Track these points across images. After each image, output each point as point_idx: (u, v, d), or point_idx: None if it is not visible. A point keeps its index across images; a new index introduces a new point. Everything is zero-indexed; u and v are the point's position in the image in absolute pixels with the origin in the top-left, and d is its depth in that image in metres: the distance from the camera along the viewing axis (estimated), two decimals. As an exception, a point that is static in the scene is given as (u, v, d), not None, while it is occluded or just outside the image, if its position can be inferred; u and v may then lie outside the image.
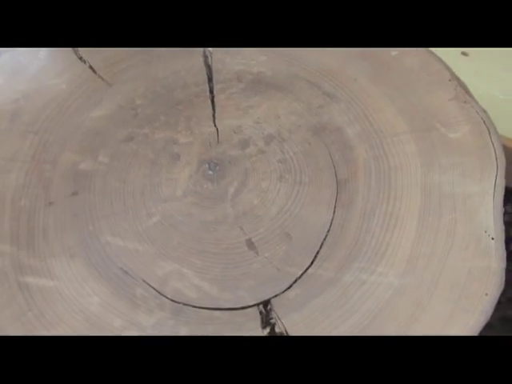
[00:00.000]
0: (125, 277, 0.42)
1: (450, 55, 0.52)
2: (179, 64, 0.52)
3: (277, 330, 0.40)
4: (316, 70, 0.51)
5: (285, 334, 0.39)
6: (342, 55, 0.52)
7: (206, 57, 0.53)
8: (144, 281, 0.42)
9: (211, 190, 0.45)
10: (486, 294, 0.40)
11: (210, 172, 0.46)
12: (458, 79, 0.50)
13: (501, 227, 0.42)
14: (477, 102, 0.48)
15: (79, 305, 0.40)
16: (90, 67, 0.52)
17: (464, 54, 0.71)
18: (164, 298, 0.41)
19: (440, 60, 0.51)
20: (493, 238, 0.42)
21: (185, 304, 0.41)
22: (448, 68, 0.50)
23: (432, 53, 0.51)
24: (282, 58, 0.52)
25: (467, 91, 0.49)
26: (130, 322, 0.40)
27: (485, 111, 0.47)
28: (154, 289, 0.41)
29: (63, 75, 0.52)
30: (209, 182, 0.45)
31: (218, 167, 0.46)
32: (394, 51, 0.51)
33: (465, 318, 0.39)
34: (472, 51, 0.72)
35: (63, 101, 0.51)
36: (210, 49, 0.52)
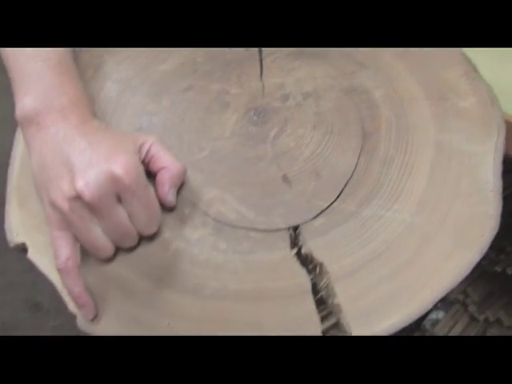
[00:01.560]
0: (177, 197, 0.38)
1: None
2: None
3: (303, 251, 0.36)
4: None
5: (310, 255, 0.36)
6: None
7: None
8: (193, 202, 0.38)
9: (254, 133, 0.41)
10: (482, 235, 0.36)
11: (255, 118, 0.42)
12: (468, 60, 0.45)
13: (499, 182, 0.38)
14: (483, 79, 0.43)
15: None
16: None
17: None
18: (208, 218, 0.37)
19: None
20: (491, 190, 0.38)
21: (225, 224, 0.37)
22: (461, 51, 0.46)
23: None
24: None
25: (475, 70, 0.44)
26: (177, 234, 0.37)
27: (489, 86, 0.43)
28: (200, 209, 0.38)
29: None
30: (253, 127, 0.41)
31: (261, 114, 0.42)
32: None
33: (463, 254, 0.35)
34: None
35: (136, 57, 0.47)
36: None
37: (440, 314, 1.12)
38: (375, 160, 0.39)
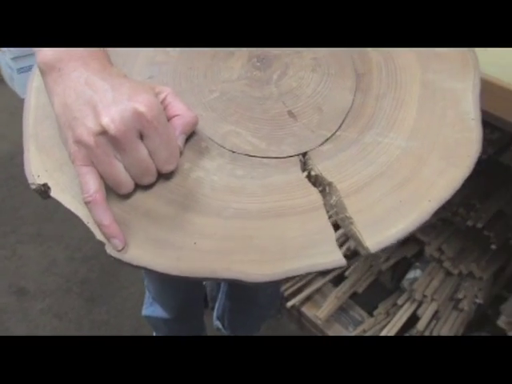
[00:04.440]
0: (193, 134, 0.40)
1: None
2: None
3: (312, 173, 0.39)
4: None
5: (320, 176, 0.38)
6: None
7: None
8: (208, 137, 0.40)
9: (259, 76, 0.44)
10: (469, 156, 0.39)
11: (258, 64, 0.44)
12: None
13: (478, 112, 0.42)
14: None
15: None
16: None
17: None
18: (224, 149, 0.40)
19: None
20: (473, 119, 0.41)
21: (240, 153, 0.39)
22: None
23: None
24: None
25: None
26: (196, 165, 0.39)
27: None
28: (215, 142, 0.40)
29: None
30: (257, 71, 0.44)
31: (264, 60, 0.44)
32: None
33: (454, 172, 0.39)
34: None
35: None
36: None
37: (417, 273, 1.17)
38: (369, 96, 0.42)
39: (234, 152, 0.39)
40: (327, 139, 0.40)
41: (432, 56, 0.45)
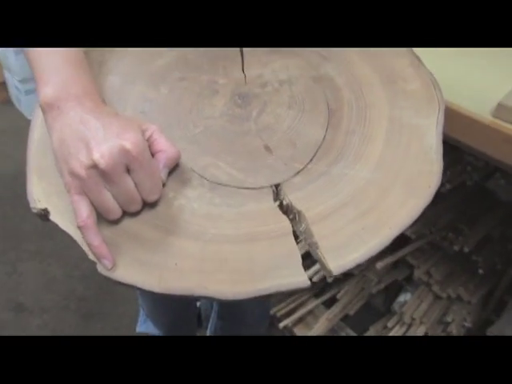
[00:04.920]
0: (176, 166, 0.44)
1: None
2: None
3: (284, 202, 0.43)
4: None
5: (290, 205, 0.42)
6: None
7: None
8: (191, 168, 0.44)
9: (240, 113, 0.48)
10: (429, 187, 0.43)
11: (239, 101, 0.49)
12: (413, 52, 0.53)
13: (440, 146, 0.46)
14: (426, 67, 0.52)
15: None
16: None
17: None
18: (204, 180, 0.44)
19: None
20: (435, 153, 0.45)
21: (219, 184, 0.43)
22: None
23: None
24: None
25: (419, 60, 0.52)
26: (179, 194, 0.43)
27: (431, 73, 0.51)
28: (197, 173, 0.44)
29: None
30: (238, 108, 0.48)
31: (244, 98, 0.49)
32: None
33: (414, 202, 0.43)
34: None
35: (134, 55, 0.53)
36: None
37: (408, 296, 1.19)
38: (340, 132, 0.46)
39: (213, 182, 0.44)
40: (298, 172, 0.44)
41: (400, 93, 0.50)
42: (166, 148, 0.42)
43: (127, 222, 0.41)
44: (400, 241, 1.19)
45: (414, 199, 0.43)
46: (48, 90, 0.41)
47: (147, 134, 0.41)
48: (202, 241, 0.40)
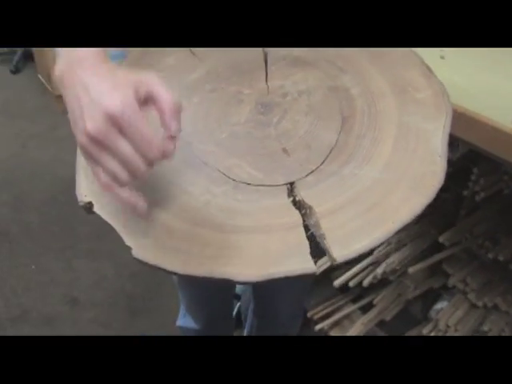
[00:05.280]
0: (205, 165, 0.51)
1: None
2: (245, 51, 0.62)
3: (297, 198, 0.48)
4: (334, 55, 0.59)
5: (302, 201, 0.47)
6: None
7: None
8: (217, 168, 0.51)
9: (262, 120, 0.54)
10: (433, 186, 0.47)
11: (262, 110, 0.55)
12: (425, 64, 0.57)
13: (445, 150, 0.50)
14: (436, 77, 0.55)
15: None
16: (190, 50, 0.62)
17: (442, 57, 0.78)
18: (228, 178, 0.50)
19: (415, 53, 0.59)
20: (440, 156, 0.49)
21: (241, 182, 0.49)
22: (419, 57, 0.58)
23: (411, 50, 0.59)
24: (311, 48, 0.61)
25: (430, 70, 0.56)
26: (206, 190, 0.49)
27: (441, 83, 0.55)
28: (222, 173, 0.50)
29: (172, 54, 0.62)
30: (261, 115, 0.55)
31: (267, 107, 0.55)
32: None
33: (418, 199, 0.46)
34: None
35: (173, 70, 0.60)
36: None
37: (445, 304, 1.20)
38: (351, 136, 0.51)
39: (236, 181, 0.50)
40: (312, 171, 0.49)
41: (410, 101, 0.54)
42: (163, 100, 0.40)
43: (158, 214, 0.48)
44: (433, 248, 1.20)
45: (417, 197, 0.47)
46: (59, 63, 0.42)
47: (142, 90, 0.40)
48: (223, 231, 0.46)
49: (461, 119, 0.66)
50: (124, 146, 0.39)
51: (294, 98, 0.56)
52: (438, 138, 0.51)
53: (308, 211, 0.47)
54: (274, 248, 0.45)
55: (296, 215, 0.47)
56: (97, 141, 0.38)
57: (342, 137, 0.52)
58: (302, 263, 0.43)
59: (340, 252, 0.44)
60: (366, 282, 1.20)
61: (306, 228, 0.46)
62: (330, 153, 0.51)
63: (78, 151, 0.54)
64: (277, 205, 0.48)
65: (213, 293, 0.91)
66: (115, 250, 1.60)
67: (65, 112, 0.43)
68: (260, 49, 0.61)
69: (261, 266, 0.44)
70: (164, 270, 0.45)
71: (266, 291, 0.93)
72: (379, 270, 1.20)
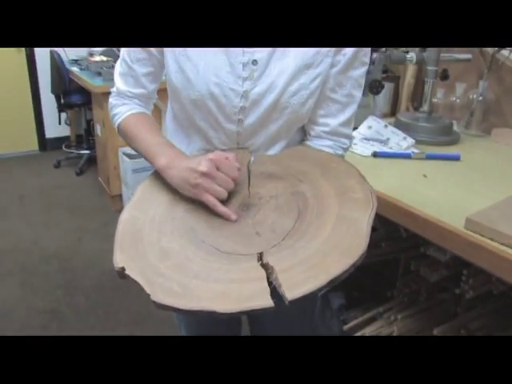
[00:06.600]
0: (203, 244, 0.74)
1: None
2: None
3: (264, 262, 0.70)
4: (297, 172, 0.86)
5: (267, 264, 0.69)
6: (312, 163, 0.87)
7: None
8: (211, 245, 0.74)
9: (244, 214, 0.79)
10: (358, 252, 0.69)
11: (244, 208, 0.80)
12: (360, 174, 0.83)
13: (369, 229, 0.72)
14: (368, 183, 0.81)
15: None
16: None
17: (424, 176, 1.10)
18: (218, 251, 0.73)
19: (353, 166, 0.85)
20: (365, 234, 0.72)
21: (226, 252, 0.73)
22: (356, 169, 0.84)
23: (351, 165, 0.86)
24: (278, 165, 0.88)
25: (364, 179, 0.82)
26: (206, 260, 0.72)
27: (371, 186, 0.80)
28: (214, 247, 0.74)
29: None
30: (242, 211, 0.80)
31: (247, 206, 0.80)
32: (334, 163, 0.86)
33: (347, 260, 0.68)
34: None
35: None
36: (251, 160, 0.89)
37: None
38: (304, 224, 0.75)
39: (223, 252, 0.73)
40: (274, 245, 0.72)
41: (348, 199, 0.78)
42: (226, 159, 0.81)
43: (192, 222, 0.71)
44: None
45: (346, 260, 0.68)
46: (162, 161, 0.84)
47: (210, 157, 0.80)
48: (206, 281, 0.68)
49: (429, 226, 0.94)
50: (221, 174, 0.79)
51: (266, 200, 0.81)
52: (365, 222, 0.74)
53: (271, 270, 0.69)
54: (247, 293, 0.66)
55: (262, 272, 0.69)
56: (208, 175, 0.77)
57: (297, 224, 0.76)
58: (265, 301, 0.64)
59: (291, 294, 0.64)
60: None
61: (269, 281, 0.68)
62: (288, 234, 0.74)
63: (118, 231, 0.79)
64: (250, 266, 0.70)
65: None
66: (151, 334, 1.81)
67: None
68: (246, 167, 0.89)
69: (235, 303, 0.64)
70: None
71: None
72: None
